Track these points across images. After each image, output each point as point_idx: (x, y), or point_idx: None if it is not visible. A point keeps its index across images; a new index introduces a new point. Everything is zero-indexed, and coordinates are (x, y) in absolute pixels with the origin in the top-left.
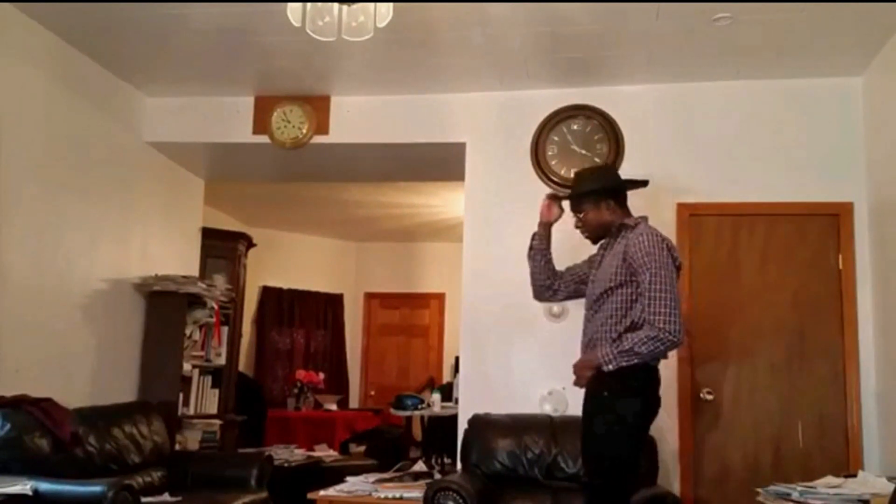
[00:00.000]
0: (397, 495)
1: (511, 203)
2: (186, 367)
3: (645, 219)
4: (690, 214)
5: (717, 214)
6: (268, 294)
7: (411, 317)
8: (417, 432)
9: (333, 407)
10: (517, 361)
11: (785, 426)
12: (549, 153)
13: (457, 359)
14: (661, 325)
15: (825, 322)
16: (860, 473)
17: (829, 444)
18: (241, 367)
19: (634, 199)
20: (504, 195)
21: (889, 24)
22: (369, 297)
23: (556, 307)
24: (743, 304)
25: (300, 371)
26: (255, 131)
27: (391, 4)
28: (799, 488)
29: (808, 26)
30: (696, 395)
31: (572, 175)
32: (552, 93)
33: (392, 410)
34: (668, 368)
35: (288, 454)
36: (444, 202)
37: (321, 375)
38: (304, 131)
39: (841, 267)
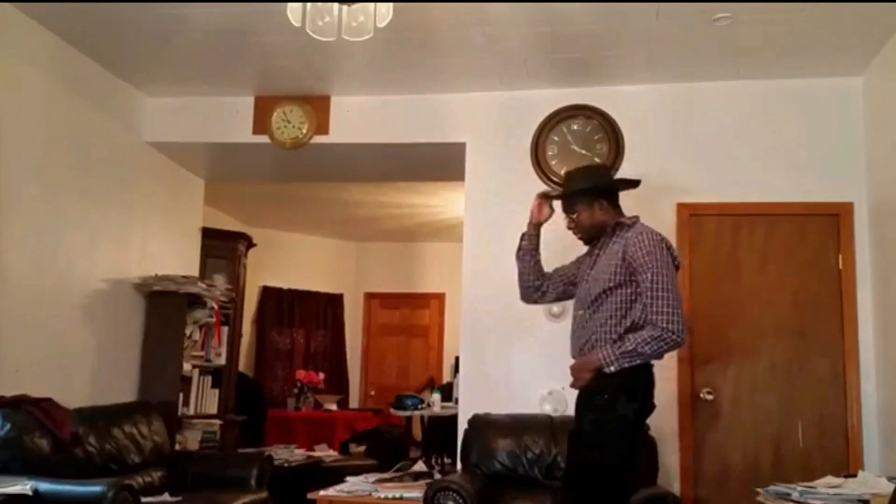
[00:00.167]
0: (397, 495)
1: (511, 203)
2: (186, 367)
3: (637, 218)
4: (690, 214)
5: (717, 214)
6: (268, 294)
7: (411, 317)
8: (417, 432)
9: (333, 407)
10: (517, 361)
11: (785, 426)
12: (549, 153)
13: (457, 359)
14: (665, 325)
15: (825, 322)
16: (860, 473)
17: (829, 444)
18: (241, 367)
19: (635, 200)
20: (504, 195)
21: (889, 24)
22: (369, 297)
23: (555, 307)
24: (743, 304)
25: (300, 371)
26: (255, 131)
27: (391, 4)
28: (799, 488)
29: (808, 26)
30: (696, 395)
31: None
32: (552, 93)
33: (392, 410)
34: (669, 368)
35: (288, 454)
36: (444, 202)
37: (321, 375)
38: (304, 131)
39: (841, 267)
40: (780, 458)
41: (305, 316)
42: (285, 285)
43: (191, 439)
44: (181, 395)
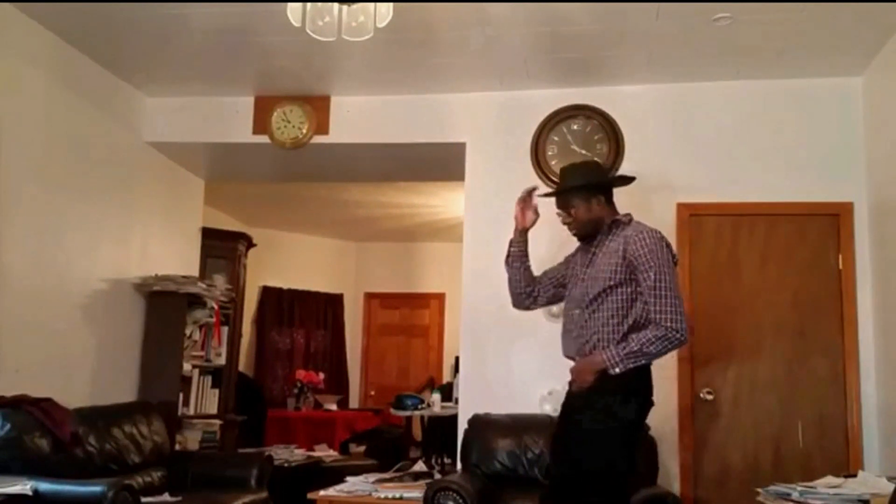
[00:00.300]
0: (397, 495)
1: (511, 203)
2: (186, 367)
3: (630, 216)
4: (690, 214)
5: (717, 214)
6: (268, 294)
7: (411, 317)
8: (417, 432)
9: (333, 407)
10: (517, 361)
11: (785, 426)
12: (549, 153)
13: (457, 359)
14: (669, 324)
15: (825, 322)
16: (860, 473)
17: (829, 444)
18: (241, 367)
19: (635, 199)
20: (504, 195)
21: (889, 24)
22: (369, 297)
23: (555, 308)
24: (743, 304)
25: (300, 371)
26: (255, 131)
27: (391, 4)
28: (799, 488)
29: (808, 26)
30: (696, 395)
31: (560, 170)
32: (552, 93)
33: (392, 410)
34: (668, 368)
35: (288, 454)
36: (444, 202)
37: (321, 375)
38: (304, 131)
39: (841, 267)
40: (780, 458)
41: (305, 316)
42: (285, 285)
43: (191, 439)
44: (181, 395)
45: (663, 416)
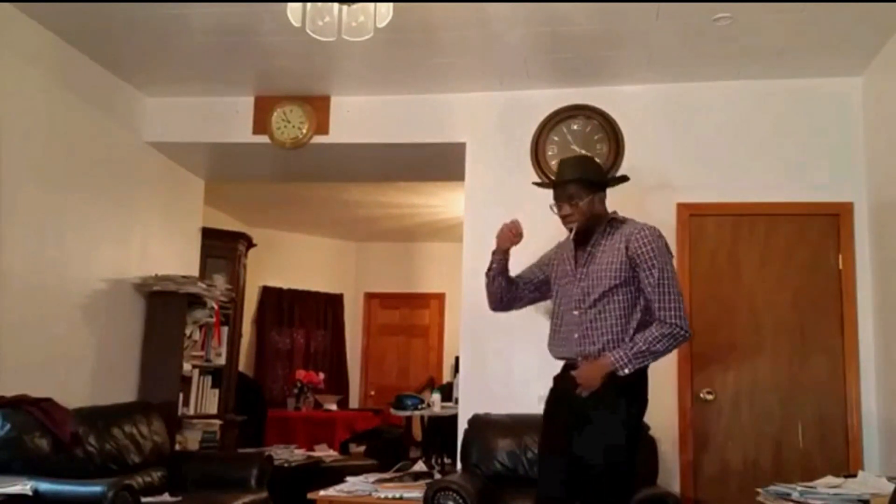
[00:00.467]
0: (397, 495)
1: (511, 203)
2: (186, 367)
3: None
4: (690, 214)
5: (717, 214)
6: (268, 294)
7: (411, 317)
8: (417, 432)
9: (333, 407)
10: (517, 361)
11: (785, 426)
12: (549, 153)
13: (457, 359)
14: (674, 321)
15: (825, 322)
16: (860, 473)
17: (829, 444)
18: (241, 367)
19: (635, 199)
20: (504, 195)
21: (889, 24)
22: (369, 297)
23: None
24: (743, 304)
25: (300, 371)
26: (255, 131)
27: (391, 4)
28: (799, 488)
29: (808, 26)
30: (696, 395)
31: (561, 161)
32: (552, 93)
33: (392, 410)
34: (668, 368)
35: (288, 454)
36: (444, 202)
37: (321, 375)
38: (304, 131)
39: (841, 267)
40: (780, 458)
41: (305, 316)
42: (285, 285)
43: (191, 439)
44: (181, 395)
45: (663, 416)
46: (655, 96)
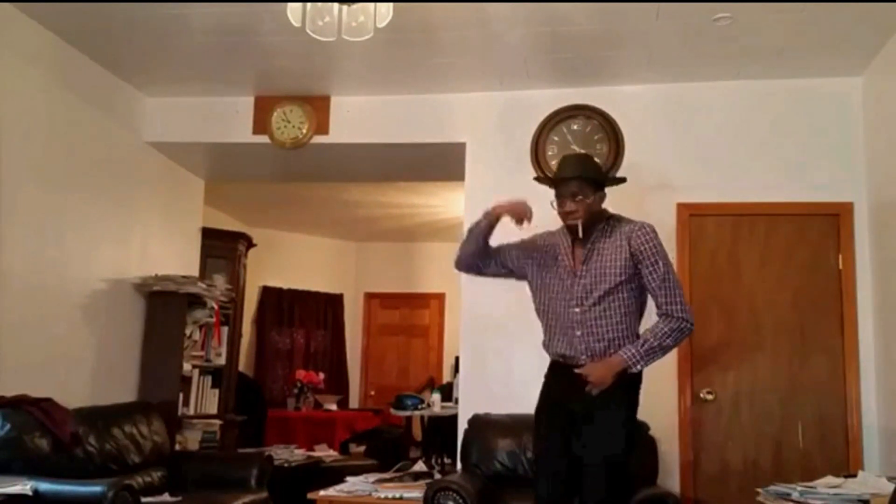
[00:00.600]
0: (397, 495)
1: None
2: (186, 367)
3: None
4: (690, 214)
5: (717, 214)
6: (268, 294)
7: (411, 317)
8: (417, 432)
9: (333, 407)
10: (517, 361)
11: (785, 426)
12: (549, 153)
13: (457, 359)
14: (681, 315)
15: (825, 322)
16: (860, 473)
17: (829, 444)
18: (241, 367)
19: (635, 199)
20: (504, 195)
21: (889, 24)
22: (369, 297)
23: None
24: (743, 304)
25: (300, 371)
26: (255, 131)
27: (391, 4)
28: (799, 488)
29: (808, 26)
30: (696, 395)
31: (564, 158)
32: (552, 93)
33: (392, 410)
34: (668, 368)
35: (288, 454)
36: (444, 202)
37: (321, 375)
38: (304, 131)
39: (841, 267)
40: (780, 458)
41: (305, 316)
42: (285, 285)
43: (191, 439)
44: (181, 395)
45: (663, 416)
46: (655, 96)
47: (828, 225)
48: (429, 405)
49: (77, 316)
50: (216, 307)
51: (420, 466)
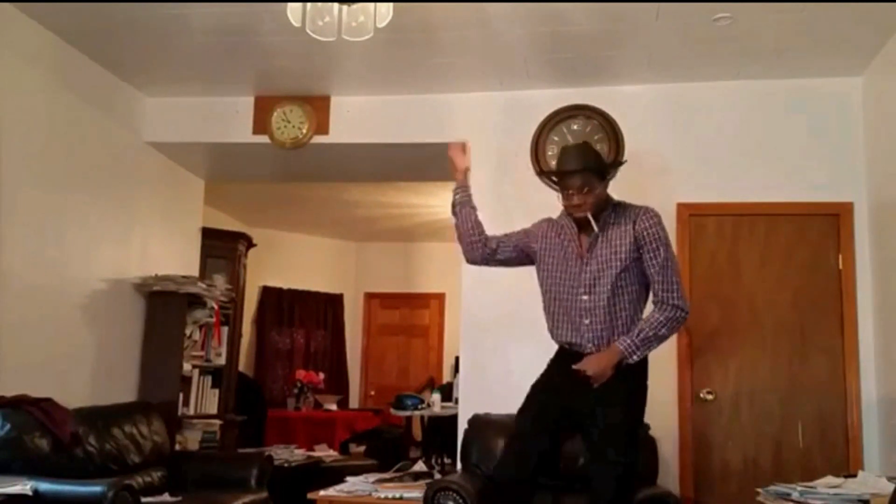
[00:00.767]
0: (397, 495)
1: (511, 203)
2: (186, 367)
3: None
4: (690, 214)
5: (717, 214)
6: (268, 294)
7: (411, 317)
8: (417, 432)
9: (333, 407)
10: (517, 361)
11: (785, 426)
12: (549, 153)
13: (457, 359)
14: (675, 302)
15: (825, 322)
16: (860, 473)
17: (829, 444)
18: (241, 367)
19: (635, 199)
20: (504, 195)
21: (889, 24)
22: (369, 297)
23: None
24: (743, 304)
25: (300, 371)
26: (255, 131)
27: (391, 4)
28: (799, 488)
29: (808, 26)
30: (696, 395)
31: (565, 149)
32: (552, 93)
33: (392, 410)
34: (668, 368)
35: (288, 454)
36: (444, 202)
37: (321, 375)
38: (304, 131)
39: (841, 267)
40: (780, 458)
41: (305, 316)
42: (285, 285)
43: (191, 439)
44: (181, 395)
45: (663, 416)
46: (655, 96)
47: (828, 225)
48: (429, 405)
49: (77, 316)
50: (216, 307)
51: (420, 466)
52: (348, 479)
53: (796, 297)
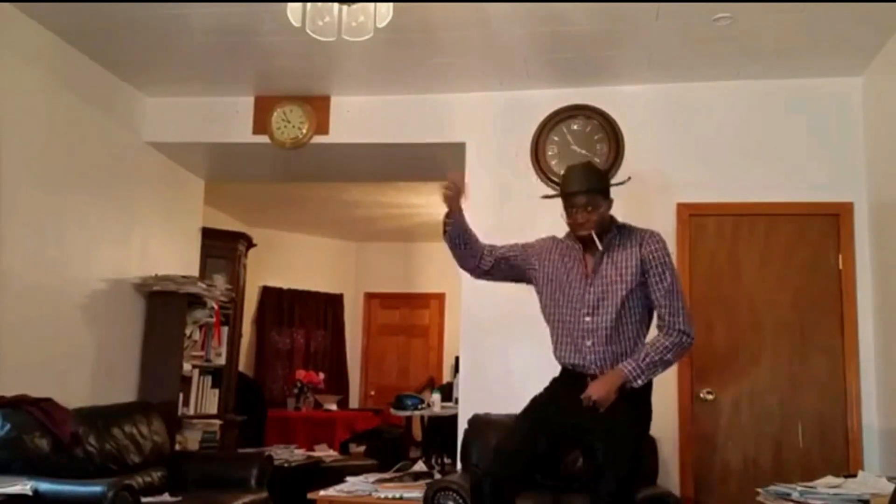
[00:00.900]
0: (397, 495)
1: (511, 203)
2: (186, 367)
3: None
4: (690, 214)
5: (717, 214)
6: (268, 294)
7: (411, 317)
8: (417, 432)
9: (333, 407)
10: (517, 361)
11: (785, 426)
12: (549, 153)
13: (457, 359)
14: (681, 327)
15: (825, 322)
16: (860, 473)
17: (829, 444)
18: (241, 367)
19: (635, 199)
20: (504, 195)
21: (889, 24)
22: (369, 297)
23: None
24: (743, 304)
25: (300, 371)
26: (255, 131)
27: (391, 4)
28: (799, 488)
29: (808, 26)
30: (696, 395)
31: (570, 169)
32: (552, 93)
33: (392, 410)
34: (668, 369)
35: (288, 454)
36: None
37: (321, 375)
38: (304, 131)
39: (841, 267)
40: (780, 458)
41: (305, 316)
42: (285, 285)
43: (191, 439)
44: (181, 395)
45: (663, 416)
46: (655, 96)
47: (828, 225)
48: (429, 405)
49: (77, 316)
50: (216, 307)
51: (420, 466)
52: (348, 479)
53: (796, 297)
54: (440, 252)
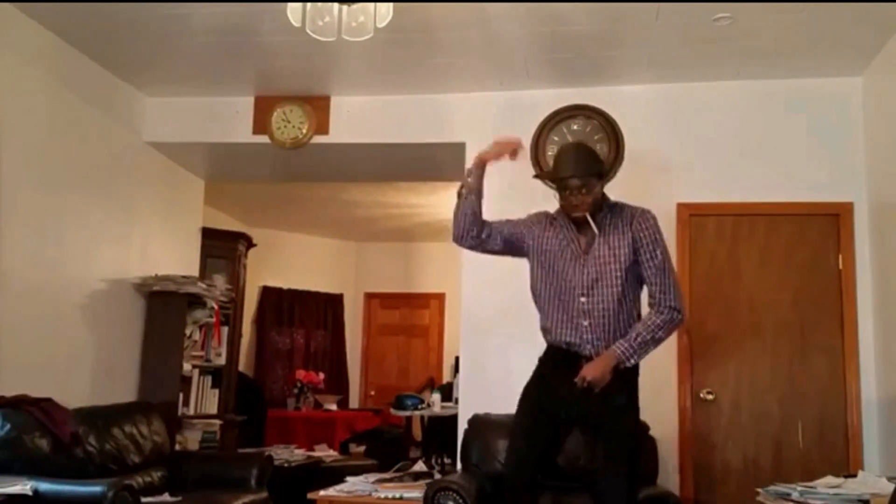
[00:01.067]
0: (397, 495)
1: (511, 203)
2: (186, 367)
3: None
4: (690, 214)
5: (717, 214)
6: (268, 294)
7: (411, 317)
8: (417, 432)
9: (333, 407)
10: (517, 361)
11: (785, 426)
12: (549, 153)
13: (457, 359)
14: (672, 304)
15: (825, 322)
16: (860, 473)
17: (829, 444)
18: (241, 367)
19: (635, 199)
20: (504, 195)
21: (889, 24)
22: (369, 297)
23: None
24: (743, 304)
25: (300, 371)
26: (255, 131)
27: (391, 4)
28: (799, 488)
29: (808, 26)
30: (696, 395)
31: (563, 151)
32: (552, 93)
33: (392, 410)
34: (668, 368)
35: (288, 454)
36: (443, 202)
37: (321, 375)
38: (304, 131)
39: (841, 267)
40: (780, 458)
41: (305, 316)
42: (285, 285)
43: (191, 439)
44: (181, 395)
45: (663, 416)
46: (655, 96)
47: (828, 225)
48: (429, 405)
49: (77, 316)
50: (216, 307)
51: (420, 466)
52: (348, 479)
53: (796, 297)
54: (440, 252)
